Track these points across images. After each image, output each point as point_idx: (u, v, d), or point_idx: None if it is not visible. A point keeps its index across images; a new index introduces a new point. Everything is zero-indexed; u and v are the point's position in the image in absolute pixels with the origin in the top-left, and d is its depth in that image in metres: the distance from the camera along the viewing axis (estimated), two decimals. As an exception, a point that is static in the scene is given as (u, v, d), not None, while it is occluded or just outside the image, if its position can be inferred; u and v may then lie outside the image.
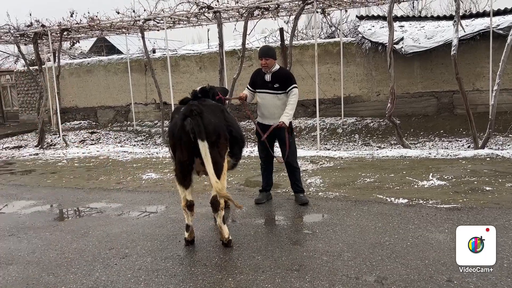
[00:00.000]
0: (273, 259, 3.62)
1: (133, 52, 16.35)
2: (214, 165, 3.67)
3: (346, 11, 11.97)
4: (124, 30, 12.80)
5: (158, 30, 12.73)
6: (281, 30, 12.78)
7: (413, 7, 16.28)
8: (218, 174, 3.76)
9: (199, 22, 11.62)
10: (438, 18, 12.71)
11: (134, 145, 12.14)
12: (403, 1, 10.88)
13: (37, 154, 11.13)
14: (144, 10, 10.72)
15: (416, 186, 5.71)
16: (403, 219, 4.41)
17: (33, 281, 3.51)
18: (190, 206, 3.92)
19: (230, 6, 9.94)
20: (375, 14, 13.46)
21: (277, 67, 4.99)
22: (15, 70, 17.27)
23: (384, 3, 10.85)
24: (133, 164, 8.59)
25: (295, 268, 3.43)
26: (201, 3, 9.96)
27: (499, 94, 8.12)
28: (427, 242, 3.77)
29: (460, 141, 9.76)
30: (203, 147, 3.58)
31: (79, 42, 14.79)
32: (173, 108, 8.65)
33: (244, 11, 9.99)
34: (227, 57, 12.62)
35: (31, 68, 13.70)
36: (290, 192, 5.69)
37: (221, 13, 10.15)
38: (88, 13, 11.35)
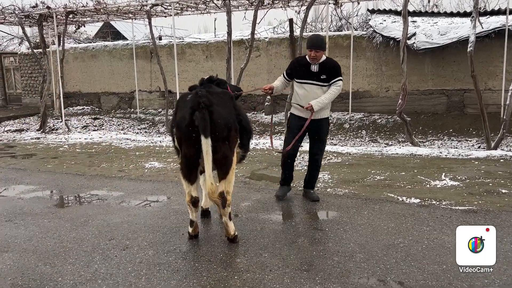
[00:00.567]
0: (281, 258, 3.44)
1: (139, 39, 16.10)
2: (224, 160, 3.51)
3: (358, 3, 11.66)
4: (130, 15, 12.58)
5: (165, 17, 12.51)
6: (291, 21, 12.54)
7: (424, 4, 15.96)
8: (227, 169, 3.59)
9: (207, 10, 11.39)
10: (452, 14, 12.41)
11: (137, 133, 11.96)
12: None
13: (38, 138, 10.97)
14: (152, -5, 10.47)
15: (428, 186, 5.51)
16: (416, 220, 4.22)
17: (29, 271, 3.34)
18: (194, 202, 3.72)
19: (241, -6, 9.69)
20: (387, 9, 13.17)
21: (324, 57, 4.65)
22: (19, 53, 17.05)
23: (398, -3, 10.57)
24: (136, 152, 8.41)
25: (305, 268, 3.25)
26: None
27: (506, 94, 7.90)
28: (444, 246, 3.58)
29: (470, 141, 9.54)
30: (206, 144, 3.34)
31: (84, 26, 14.56)
32: (178, 97, 8.47)
33: (254, -1, 9.74)
34: (234, 46, 12.40)
35: (35, 51, 13.47)
36: (298, 187, 5.51)
37: (231, 1, 9.89)
38: (95, -4, 11.13)
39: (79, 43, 17.85)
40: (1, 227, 4.33)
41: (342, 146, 9.15)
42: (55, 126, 12.59)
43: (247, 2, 10.21)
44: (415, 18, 12.04)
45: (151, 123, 13.16)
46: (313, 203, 4.85)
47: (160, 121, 12.93)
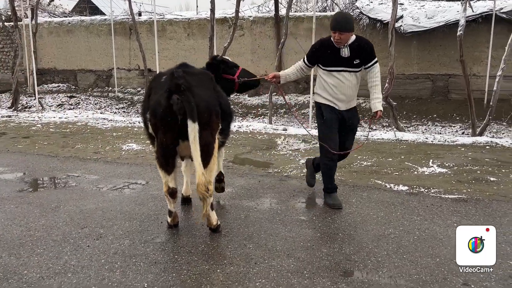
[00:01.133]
0: (267, 249, 3.24)
1: (117, 14, 15.44)
2: (206, 147, 3.19)
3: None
4: (108, -12, 11.95)
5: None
6: (276, 0, 12.14)
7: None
8: (209, 158, 3.27)
9: (189, -15, 10.87)
10: (439, -3, 12.24)
11: (115, 113, 11.52)
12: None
13: (9, 116, 10.43)
14: (131, -33, 9.93)
15: (416, 172, 5.38)
16: (406, 209, 4.07)
17: (-9, 263, 3.05)
18: (172, 193, 3.44)
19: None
20: (374, -10, 12.89)
21: (353, 38, 3.92)
22: (-11, 26, 16.16)
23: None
24: (113, 133, 8.04)
25: (292, 261, 3.05)
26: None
27: (490, 80, 7.82)
28: (436, 237, 3.43)
29: (454, 126, 9.50)
30: (193, 130, 3.00)
31: (59, -1, 13.83)
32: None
33: (239, -25, 9.32)
34: (217, 24, 11.97)
35: (6, 24, 12.74)
36: (283, 173, 5.30)
37: (214, -24, 9.45)
38: (70, -34, 10.49)
39: (54, 17, 17.03)
40: (-37, 213, 3.99)
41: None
42: (28, 104, 12.02)
43: (232, -22, 9.77)
44: (402, 1, 11.80)
45: (129, 103, 12.71)
46: (299, 190, 4.65)
47: (139, 101, 12.47)
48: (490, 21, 9.84)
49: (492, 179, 5.05)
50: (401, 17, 10.72)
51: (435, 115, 10.25)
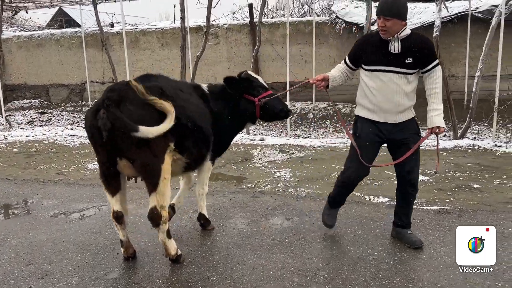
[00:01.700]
0: (232, 281, 2.89)
1: (89, 26, 15.01)
2: (145, 168, 2.86)
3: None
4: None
5: (115, 1, 11.61)
6: (250, 6, 11.93)
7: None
8: (154, 179, 2.89)
9: (160, -6, 10.55)
10: (414, -1, 12.15)
11: (88, 128, 11.05)
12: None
13: (-26, 136, 9.90)
14: (97, -23, 9.58)
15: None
16: (386, 224, 3.76)
17: None
18: (118, 218, 3.08)
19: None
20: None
21: (407, 31, 3.09)
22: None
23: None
24: (81, 151, 7.62)
25: (259, 295, 2.72)
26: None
27: (469, 80, 7.66)
28: (418, 257, 3.14)
29: (435, 129, 9.30)
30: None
31: (27, 12, 13.38)
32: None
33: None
34: (192, 33, 11.68)
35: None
36: (257, 188, 4.98)
37: (184, -17, 9.15)
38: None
39: (24, 31, 16.51)
40: None
41: (305, 138, 8.69)
42: (-5, 123, 11.49)
43: (202, -15, 9.49)
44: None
45: (104, 117, 12.25)
46: (273, 207, 4.33)
47: (114, 115, 12.05)
48: (466, 21, 9.75)
49: (475, 186, 4.80)
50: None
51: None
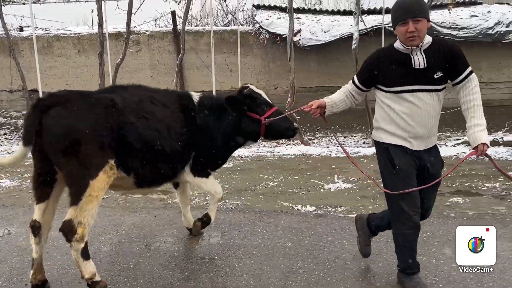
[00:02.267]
0: (158, 307, 2.69)
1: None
2: (69, 179, 2.73)
3: (243, -3, 11.27)
4: (-22, 0, 10.49)
5: (24, 4, 10.72)
6: (173, 13, 11.68)
7: (306, 2, 16.28)
8: (78, 193, 2.69)
9: (75, -3, 9.95)
10: (333, 12, 12.70)
11: (-6, 141, 10.05)
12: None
13: None
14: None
15: (322, 190, 5.21)
16: (314, 234, 3.79)
17: None
18: (33, 228, 2.84)
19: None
20: (272, 4, 13.04)
21: (429, 38, 2.66)
22: None
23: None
24: (-16, 167, 6.85)
25: (188, 321, 2.55)
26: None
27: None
28: (346, 267, 3.17)
29: (355, 136, 9.77)
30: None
31: None
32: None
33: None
34: (111, 39, 11.15)
35: None
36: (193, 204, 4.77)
37: (102, -13, 8.70)
38: None
39: None
40: None
41: (232, 147, 8.63)
42: None
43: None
44: (299, 15, 12.05)
45: (13, 128, 11.25)
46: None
47: (24, 126, 11.07)
48: (381, 34, 10.37)
49: (395, 191, 5.04)
50: (299, 31, 10.86)
51: (337, 126, 10.47)
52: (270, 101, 3.58)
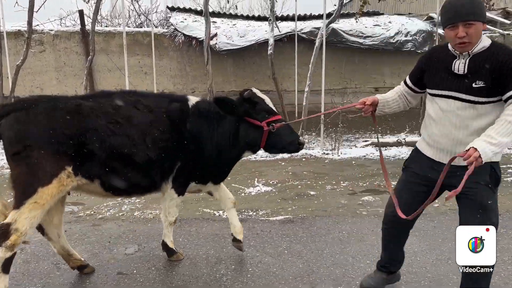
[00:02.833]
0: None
1: None
2: (14, 184, 2.63)
3: (157, -1, 10.97)
4: None
5: None
6: (81, 12, 11.00)
7: (221, 6, 16.35)
8: (21, 197, 2.57)
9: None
10: (248, 17, 12.91)
11: None
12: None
13: None
14: None
15: (243, 194, 5.23)
16: (237, 240, 3.77)
17: None
18: (38, 227, 2.86)
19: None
20: (187, 7, 12.87)
21: (485, 43, 2.29)
22: None
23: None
24: None
25: None
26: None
27: (299, 94, 8.51)
28: (270, 272, 3.19)
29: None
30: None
31: None
32: None
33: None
34: (10, 39, 10.20)
35: None
36: (97, 215, 4.49)
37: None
38: None
39: None
40: None
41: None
42: None
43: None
44: (215, 19, 12.04)
45: None
46: (116, 236, 3.93)
47: None
48: (294, 40, 10.74)
49: (312, 193, 5.22)
50: (216, 35, 10.85)
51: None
52: (274, 109, 3.18)
